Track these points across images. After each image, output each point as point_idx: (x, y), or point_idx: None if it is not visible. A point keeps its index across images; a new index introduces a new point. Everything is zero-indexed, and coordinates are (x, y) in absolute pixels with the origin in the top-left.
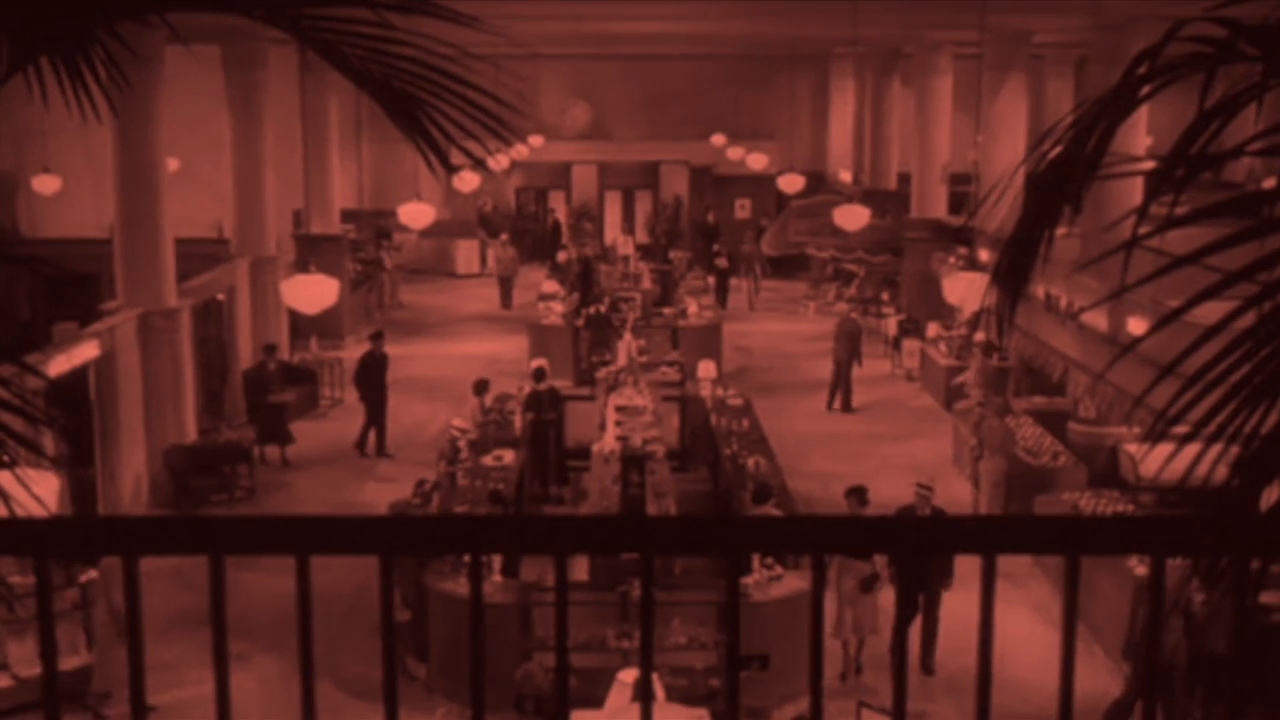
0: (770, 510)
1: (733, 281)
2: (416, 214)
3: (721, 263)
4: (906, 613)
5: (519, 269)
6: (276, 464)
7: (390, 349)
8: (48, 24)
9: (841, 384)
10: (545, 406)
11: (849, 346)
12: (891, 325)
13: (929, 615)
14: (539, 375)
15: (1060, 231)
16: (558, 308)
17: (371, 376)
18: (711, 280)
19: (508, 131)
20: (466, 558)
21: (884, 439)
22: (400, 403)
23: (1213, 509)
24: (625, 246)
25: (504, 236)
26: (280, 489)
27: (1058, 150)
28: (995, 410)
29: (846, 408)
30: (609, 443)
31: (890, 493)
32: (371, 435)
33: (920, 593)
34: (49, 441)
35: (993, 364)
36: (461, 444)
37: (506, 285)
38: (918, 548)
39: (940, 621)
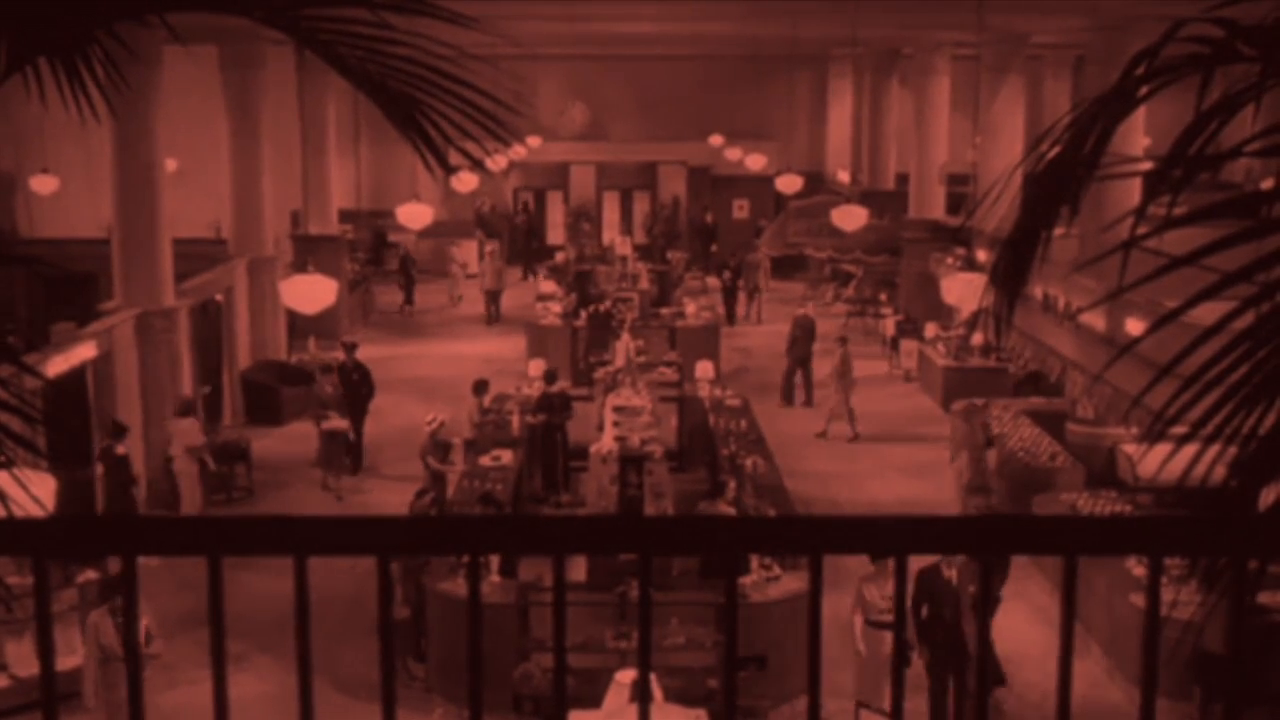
0: (723, 507)
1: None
2: (414, 214)
3: (728, 275)
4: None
5: (506, 282)
6: (331, 495)
7: (389, 349)
8: (46, 24)
9: (806, 380)
10: (556, 409)
11: (808, 344)
12: (889, 325)
13: (958, 704)
14: (551, 378)
15: (1058, 232)
16: (555, 308)
17: (347, 389)
18: (713, 281)
19: (505, 132)
20: (465, 558)
21: (882, 439)
22: (398, 403)
23: (1211, 509)
24: (623, 247)
25: (491, 247)
26: (278, 489)
27: (1056, 151)
28: (961, 412)
29: (809, 401)
30: (607, 443)
31: (888, 493)
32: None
33: (951, 672)
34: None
35: (849, 367)
36: (455, 440)
37: (493, 299)
38: (917, 548)
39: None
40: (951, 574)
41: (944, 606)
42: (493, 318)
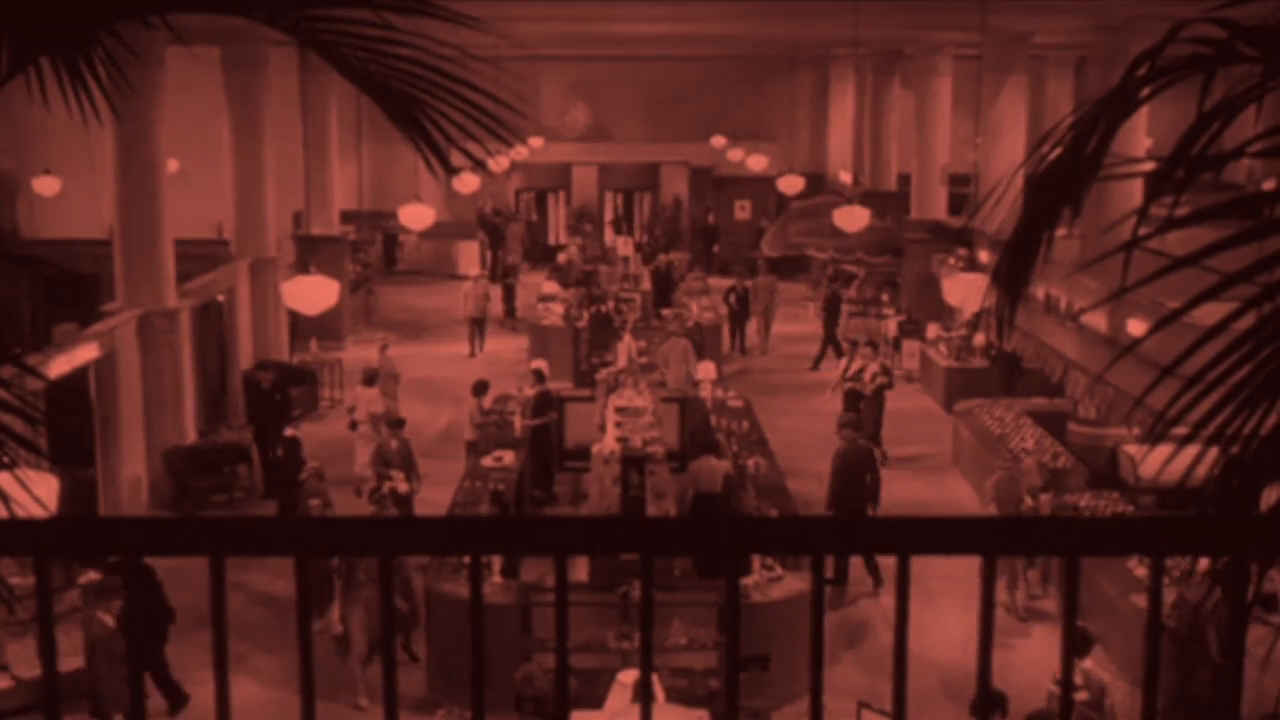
0: (711, 460)
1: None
2: (417, 215)
3: (734, 300)
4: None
5: (490, 310)
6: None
7: (390, 350)
8: (48, 24)
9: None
10: (555, 407)
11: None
12: (891, 326)
13: None
14: (541, 376)
15: (1060, 232)
16: (558, 309)
17: (268, 411)
18: (715, 282)
19: (508, 133)
20: (467, 559)
21: (884, 440)
22: (404, 405)
23: (1212, 510)
24: (625, 248)
25: (477, 271)
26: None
27: (1058, 151)
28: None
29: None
30: (609, 444)
31: (889, 493)
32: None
33: None
34: None
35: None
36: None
37: (479, 328)
38: (920, 549)
39: None
40: None
41: None
42: (476, 350)
